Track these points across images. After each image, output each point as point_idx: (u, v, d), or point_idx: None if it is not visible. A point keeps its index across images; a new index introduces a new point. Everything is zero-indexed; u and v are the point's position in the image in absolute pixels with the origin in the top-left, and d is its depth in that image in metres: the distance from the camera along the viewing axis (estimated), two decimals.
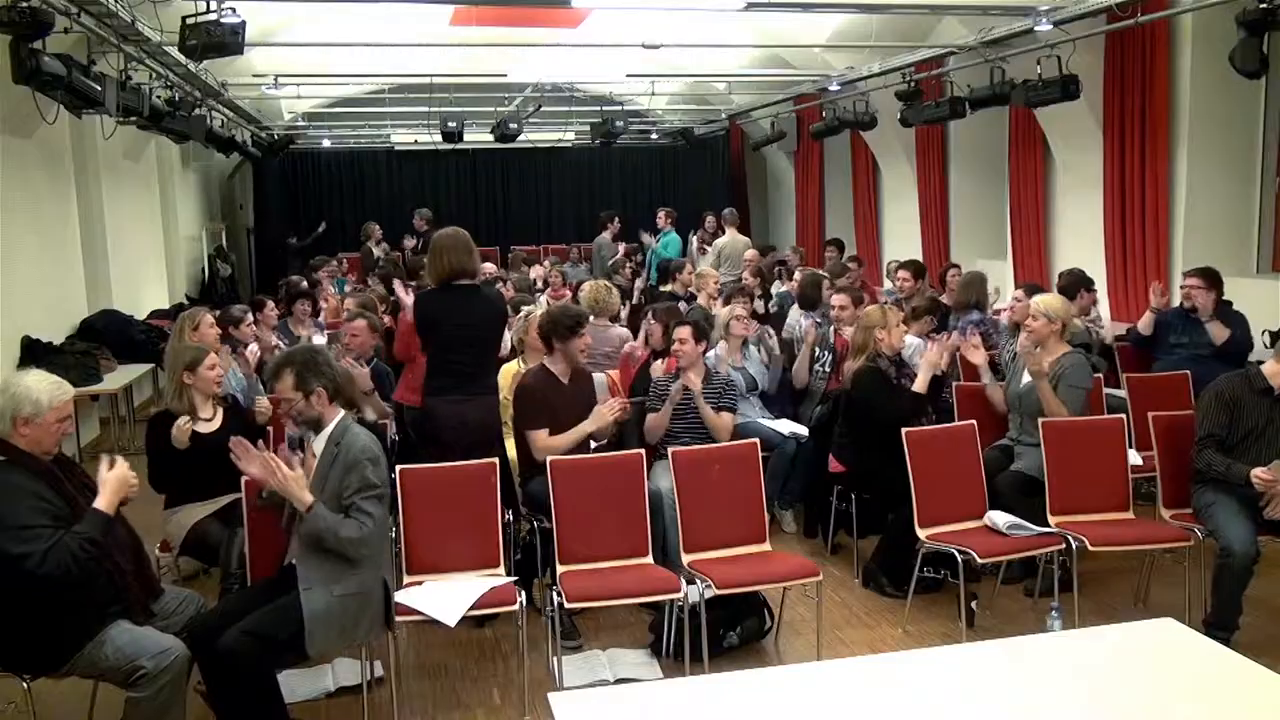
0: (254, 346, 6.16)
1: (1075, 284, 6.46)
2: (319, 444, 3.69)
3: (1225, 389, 4.44)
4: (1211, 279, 6.09)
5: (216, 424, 4.58)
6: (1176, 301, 6.55)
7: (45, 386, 3.36)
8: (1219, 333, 5.94)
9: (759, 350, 6.31)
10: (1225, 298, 6.17)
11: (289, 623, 3.49)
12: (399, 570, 4.17)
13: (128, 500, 3.51)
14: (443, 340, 4.89)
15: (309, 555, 3.58)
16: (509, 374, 5.47)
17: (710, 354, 5.68)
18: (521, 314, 5.89)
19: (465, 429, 4.79)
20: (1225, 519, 4.24)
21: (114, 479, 3.40)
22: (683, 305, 7.24)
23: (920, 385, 5.11)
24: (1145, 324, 6.35)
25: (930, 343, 5.37)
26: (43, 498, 3.26)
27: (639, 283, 10.48)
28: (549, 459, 4.36)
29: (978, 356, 5.46)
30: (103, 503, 3.36)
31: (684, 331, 5.25)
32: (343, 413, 3.72)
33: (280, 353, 4.04)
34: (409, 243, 12.86)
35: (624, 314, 7.96)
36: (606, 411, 4.78)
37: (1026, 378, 5.13)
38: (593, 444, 5.11)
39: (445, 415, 4.83)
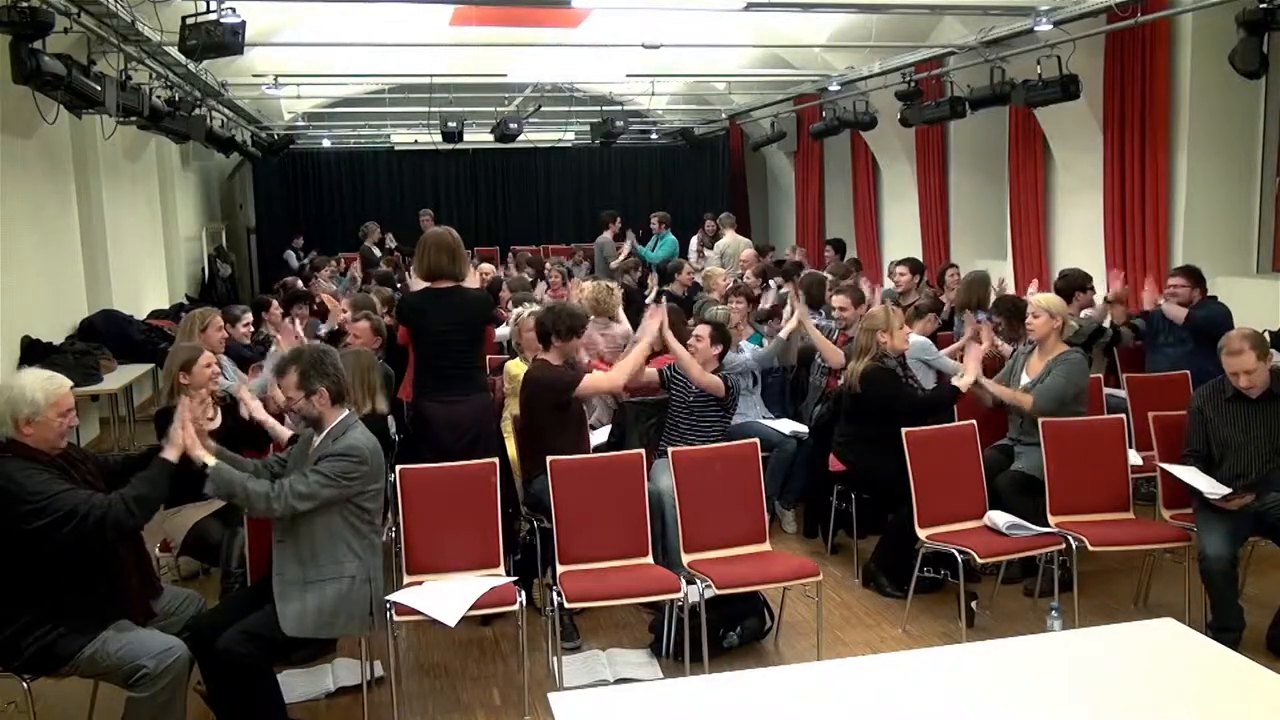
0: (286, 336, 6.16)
1: (1071, 287, 6.48)
2: (316, 441, 3.69)
3: (1195, 401, 4.48)
4: (1194, 276, 6.22)
5: (216, 423, 4.59)
6: None
7: (40, 384, 3.34)
8: (1175, 312, 6.06)
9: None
10: (1211, 293, 6.25)
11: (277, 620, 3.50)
12: (399, 570, 4.17)
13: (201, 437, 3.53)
14: (421, 341, 4.89)
15: (280, 543, 3.59)
16: (512, 372, 5.47)
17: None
18: (513, 314, 5.88)
19: (458, 429, 4.78)
20: (1203, 525, 4.27)
21: (185, 432, 3.44)
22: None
23: (969, 379, 5.03)
24: (1174, 313, 6.13)
25: (972, 328, 5.24)
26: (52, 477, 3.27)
27: (651, 280, 10.46)
28: (550, 459, 4.35)
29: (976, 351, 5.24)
30: (171, 453, 3.41)
31: (702, 329, 5.24)
32: (346, 413, 3.70)
33: (292, 349, 4.09)
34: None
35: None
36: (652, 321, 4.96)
37: (1026, 378, 5.13)
38: (593, 442, 5.11)
39: (436, 415, 4.82)
